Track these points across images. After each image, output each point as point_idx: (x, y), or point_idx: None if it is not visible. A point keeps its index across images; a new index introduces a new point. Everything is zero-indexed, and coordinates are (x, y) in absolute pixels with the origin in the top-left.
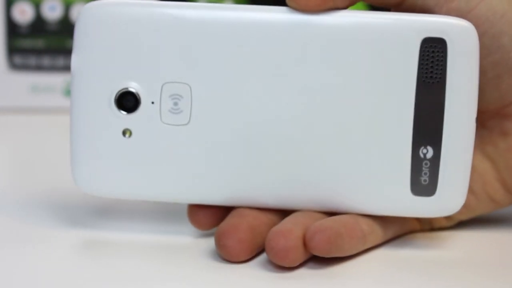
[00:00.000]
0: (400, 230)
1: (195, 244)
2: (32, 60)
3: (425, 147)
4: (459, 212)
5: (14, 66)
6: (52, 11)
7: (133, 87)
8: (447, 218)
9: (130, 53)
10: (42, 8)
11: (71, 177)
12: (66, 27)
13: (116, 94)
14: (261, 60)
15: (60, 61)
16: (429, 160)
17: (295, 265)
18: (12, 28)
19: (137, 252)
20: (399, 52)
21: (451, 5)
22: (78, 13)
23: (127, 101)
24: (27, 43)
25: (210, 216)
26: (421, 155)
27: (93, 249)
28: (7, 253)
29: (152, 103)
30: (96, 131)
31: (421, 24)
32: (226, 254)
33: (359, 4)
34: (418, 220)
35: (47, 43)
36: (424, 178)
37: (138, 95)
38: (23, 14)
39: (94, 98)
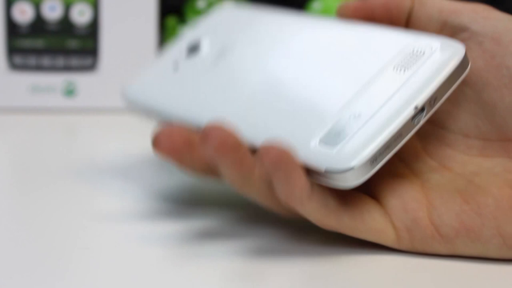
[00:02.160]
0: (359, 225)
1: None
2: (32, 60)
3: (357, 111)
4: (456, 234)
5: (14, 66)
6: (52, 11)
7: (203, 41)
8: (440, 240)
9: (217, 28)
10: (42, 8)
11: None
12: (66, 27)
13: (191, 43)
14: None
15: (60, 61)
16: (352, 121)
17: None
18: (12, 28)
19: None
20: (385, 48)
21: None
22: (215, 8)
23: (195, 49)
24: (27, 43)
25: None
26: (348, 115)
27: (95, 251)
28: (8, 253)
29: (207, 54)
30: (163, 66)
31: (416, 35)
32: (157, 142)
33: None
34: (395, 229)
35: (47, 43)
36: (337, 133)
37: (203, 46)
38: (23, 14)
39: (179, 49)
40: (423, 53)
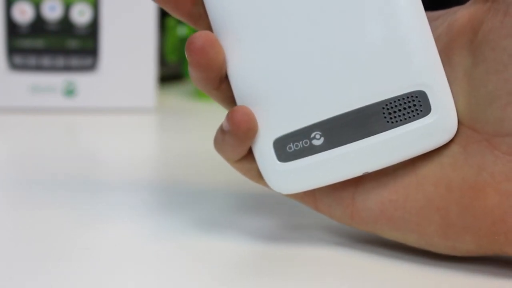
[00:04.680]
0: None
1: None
2: (32, 60)
3: (323, 135)
4: (375, 221)
5: (14, 66)
6: (52, 11)
7: None
8: (359, 221)
9: None
10: (42, 8)
11: None
12: (66, 27)
13: None
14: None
15: (60, 61)
16: (313, 140)
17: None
18: (12, 28)
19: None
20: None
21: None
22: None
23: None
24: (27, 43)
25: None
26: (314, 132)
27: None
28: (8, 253)
29: None
30: None
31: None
32: None
33: None
34: (316, 200)
35: (47, 43)
36: (294, 145)
37: None
38: (23, 14)
39: None
40: (418, 113)
